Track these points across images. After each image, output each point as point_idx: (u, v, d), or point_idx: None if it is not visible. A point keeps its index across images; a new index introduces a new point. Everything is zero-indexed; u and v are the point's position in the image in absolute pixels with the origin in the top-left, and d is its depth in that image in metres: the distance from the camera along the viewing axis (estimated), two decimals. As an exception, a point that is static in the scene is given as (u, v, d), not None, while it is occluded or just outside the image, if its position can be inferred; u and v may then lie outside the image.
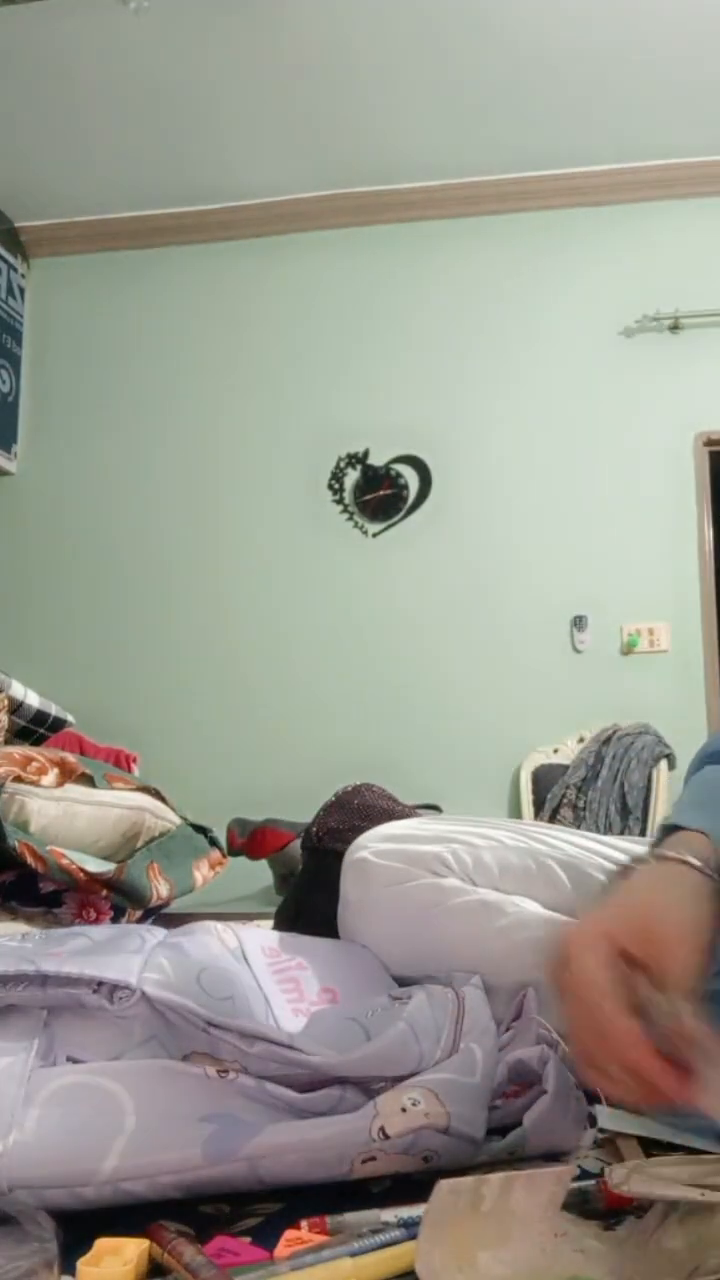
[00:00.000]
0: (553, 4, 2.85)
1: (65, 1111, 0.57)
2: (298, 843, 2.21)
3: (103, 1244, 0.50)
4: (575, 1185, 0.57)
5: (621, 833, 2.97)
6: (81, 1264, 0.48)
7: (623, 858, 0.94)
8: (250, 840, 2.79)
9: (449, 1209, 0.47)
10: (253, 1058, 0.61)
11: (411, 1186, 0.60)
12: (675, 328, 3.49)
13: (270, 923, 1.24)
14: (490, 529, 3.52)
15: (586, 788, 3.10)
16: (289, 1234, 0.52)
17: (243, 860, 2.73)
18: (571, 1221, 0.50)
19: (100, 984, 0.62)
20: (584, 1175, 0.62)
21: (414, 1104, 0.59)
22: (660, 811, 3.00)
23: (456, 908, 0.85)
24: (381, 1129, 0.58)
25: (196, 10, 2.87)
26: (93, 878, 1.38)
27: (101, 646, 3.64)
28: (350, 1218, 0.54)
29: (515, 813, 3.27)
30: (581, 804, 3.08)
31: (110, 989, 0.62)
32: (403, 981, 0.83)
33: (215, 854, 1.73)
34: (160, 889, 1.50)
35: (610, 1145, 0.66)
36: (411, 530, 3.58)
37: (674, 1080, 0.49)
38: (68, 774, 1.54)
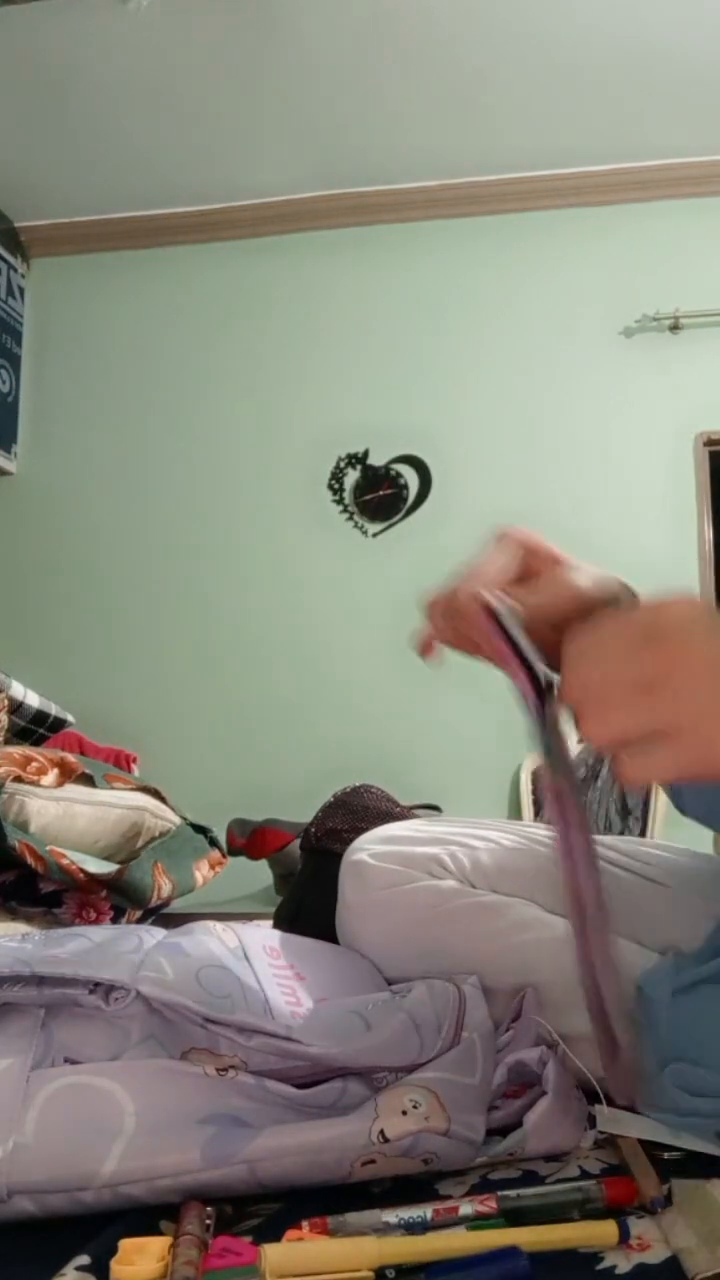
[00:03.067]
0: (553, 4, 2.85)
1: (64, 1113, 0.56)
2: (298, 843, 2.21)
3: (128, 1244, 0.50)
4: (576, 1185, 0.57)
5: (621, 833, 2.97)
6: (115, 1264, 0.48)
7: (622, 859, 0.94)
8: (250, 840, 2.79)
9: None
10: (252, 1051, 0.61)
11: (412, 1188, 0.61)
12: (675, 328, 3.49)
13: (270, 922, 1.24)
14: (490, 529, 3.51)
15: (586, 788, 3.10)
16: (290, 1234, 0.52)
17: (243, 860, 2.73)
18: None
19: (96, 984, 0.62)
20: (584, 1175, 0.62)
21: (415, 1106, 0.59)
22: (660, 811, 3.00)
23: (455, 910, 0.85)
24: (381, 1132, 0.57)
25: (196, 10, 2.87)
26: (93, 878, 1.38)
27: (101, 646, 3.64)
28: (351, 1218, 0.54)
29: (515, 813, 3.27)
30: (581, 804, 3.08)
31: (106, 989, 0.62)
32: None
33: (215, 854, 1.73)
34: (163, 888, 1.50)
35: (610, 1146, 0.66)
36: (411, 530, 3.58)
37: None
38: (68, 774, 1.54)
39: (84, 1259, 0.50)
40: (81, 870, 1.37)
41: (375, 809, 1.22)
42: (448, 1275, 0.48)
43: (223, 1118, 0.58)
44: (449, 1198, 0.58)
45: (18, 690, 2.07)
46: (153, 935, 0.74)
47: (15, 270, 3.89)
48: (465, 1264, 0.48)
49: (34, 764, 1.48)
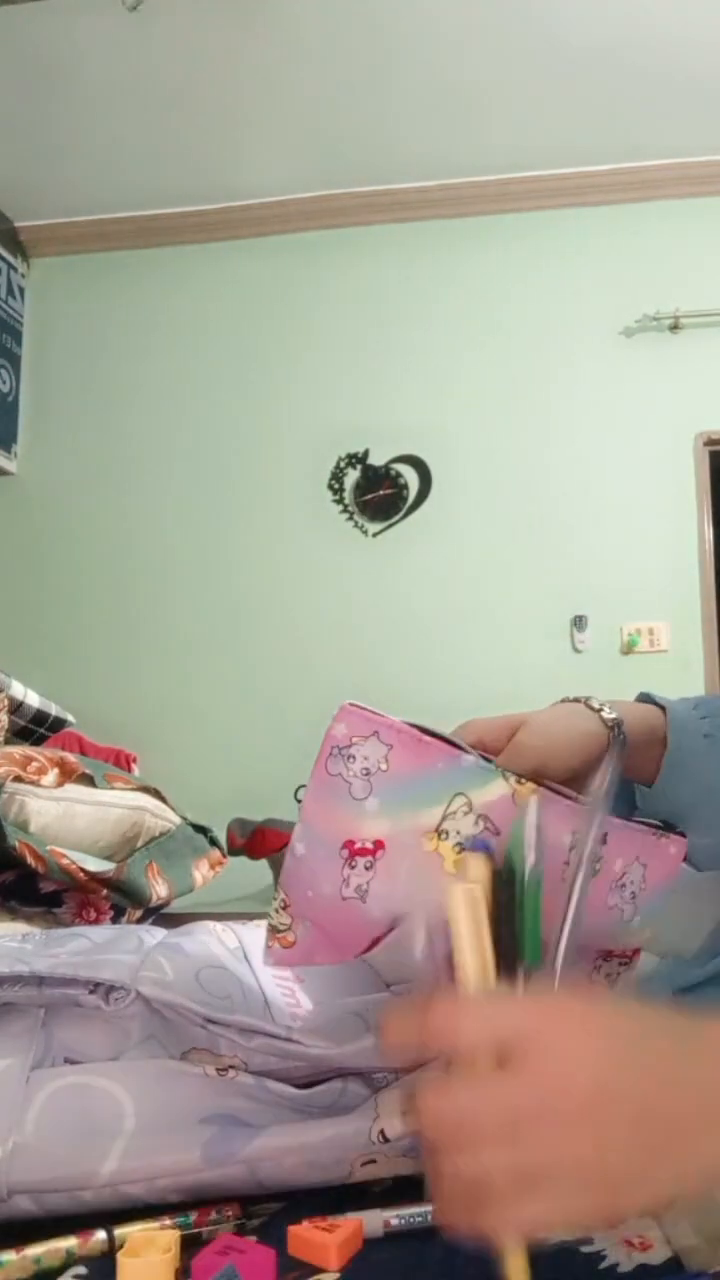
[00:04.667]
0: (552, 4, 2.85)
1: (64, 1113, 0.56)
2: (298, 843, 2.21)
3: (135, 1237, 0.50)
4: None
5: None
6: (122, 1256, 0.49)
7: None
8: (250, 840, 2.79)
9: None
10: (252, 1052, 0.61)
11: (413, 1187, 0.60)
12: (675, 328, 3.49)
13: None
14: (490, 529, 3.51)
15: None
16: (294, 1230, 0.52)
17: (243, 860, 2.73)
18: None
19: (97, 984, 0.62)
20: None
21: (415, 1105, 0.59)
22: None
23: None
24: (381, 1132, 0.57)
25: (197, 10, 2.87)
26: (93, 877, 1.38)
27: (101, 646, 3.64)
28: (352, 1217, 0.53)
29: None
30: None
31: (106, 989, 0.62)
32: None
33: (215, 854, 1.73)
34: (159, 889, 1.50)
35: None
36: (411, 530, 3.58)
37: None
38: (68, 774, 1.54)
39: (81, 1270, 0.50)
40: (82, 870, 1.36)
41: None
42: None
43: (223, 1118, 0.58)
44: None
45: (18, 690, 2.07)
46: (153, 935, 0.74)
47: (15, 270, 3.89)
48: None
49: (34, 764, 1.48)
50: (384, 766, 0.59)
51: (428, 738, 0.60)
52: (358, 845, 0.59)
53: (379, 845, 0.58)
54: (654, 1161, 0.40)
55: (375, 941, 0.61)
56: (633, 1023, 0.44)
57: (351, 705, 0.61)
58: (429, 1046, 0.44)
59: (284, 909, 0.63)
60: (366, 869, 0.58)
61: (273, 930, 0.63)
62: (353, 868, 0.59)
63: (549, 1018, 0.42)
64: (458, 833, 0.58)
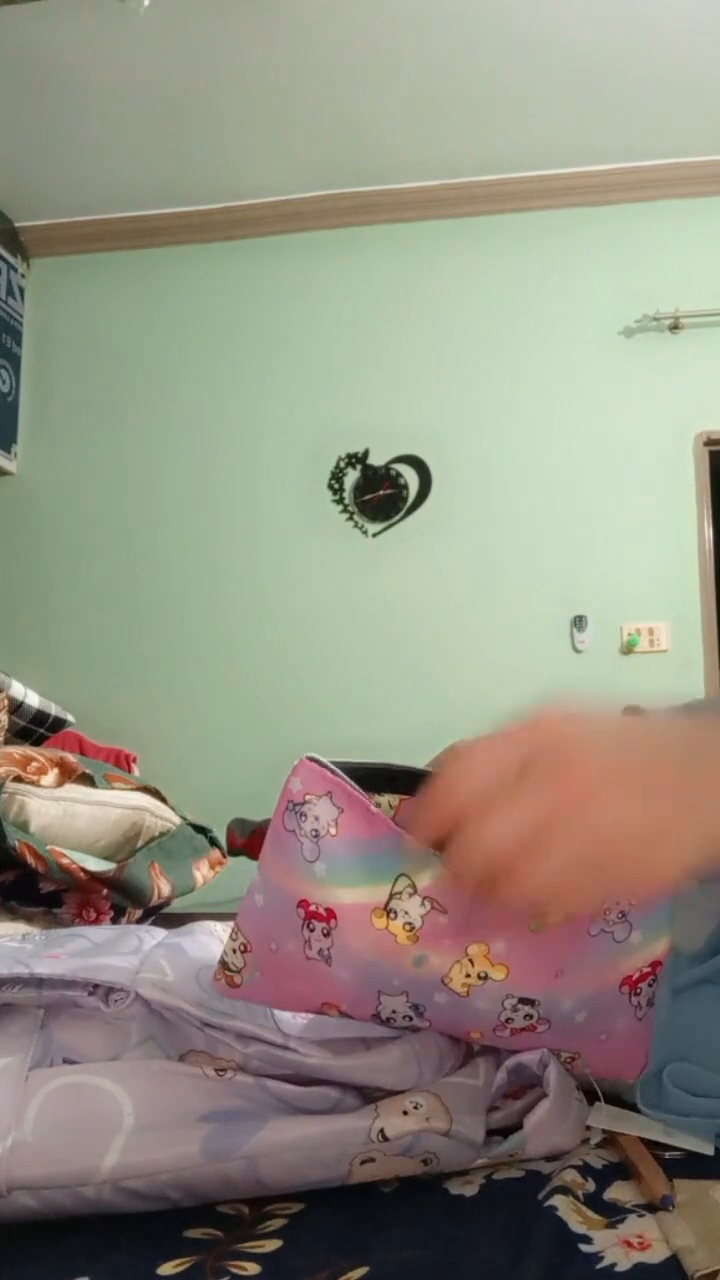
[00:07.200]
0: (553, 4, 2.85)
1: (63, 1111, 0.57)
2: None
3: None
4: (580, 1186, 0.57)
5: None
6: None
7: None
8: (250, 840, 2.79)
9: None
10: (249, 1057, 0.61)
11: (420, 1188, 0.60)
12: (675, 328, 3.49)
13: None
14: (490, 529, 3.52)
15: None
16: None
17: (243, 860, 2.72)
18: None
19: (96, 986, 0.62)
20: (586, 1169, 0.62)
21: (416, 1107, 0.59)
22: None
23: None
24: (381, 1131, 0.57)
25: (196, 10, 2.87)
26: (93, 877, 1.38)
27: (101, 646, 3.64)
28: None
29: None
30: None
31: (106, 990, 0.62)
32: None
33: (215, 854, 1.73)
34: (161, 888, 1.50)
35: (614, 1145, 0.66)
36: (411, 530, 3.58)
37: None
38: (68, 774, 1.54)
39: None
40: (82, 870, 1.37)
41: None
42: None
43: (222, 1115, 0.58)
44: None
45: (18, 690, 2.07)
46: (153, 935, 0.74)
47: (15, 270, 3.89)
48: None
49: (34, 764, 1.48)
50: (333, 831, 0.58)
51: (374, 810, 0.58)
52: (312, 907, 0.58)
53: (331, 914, 0.57)
54: (667, 822, 0.45)
55: (327, 1005, 0.61)
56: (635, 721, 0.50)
57: (309, 760, 0.60)
58: (455, 805, 0.47)
59: (243, 951, 0.62)
60: (325, 935, 0.58)
61: (223, 965, 0.63)
62: (311, 930, 0.58)
63: (554, 730, 0.47)
64: (406, 913, 0.57)
